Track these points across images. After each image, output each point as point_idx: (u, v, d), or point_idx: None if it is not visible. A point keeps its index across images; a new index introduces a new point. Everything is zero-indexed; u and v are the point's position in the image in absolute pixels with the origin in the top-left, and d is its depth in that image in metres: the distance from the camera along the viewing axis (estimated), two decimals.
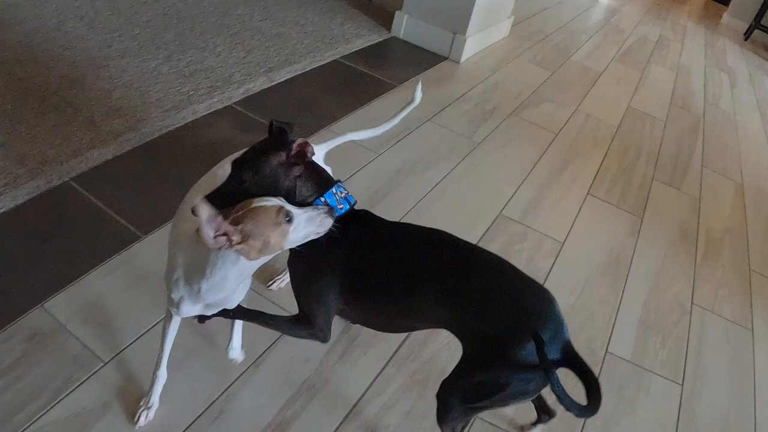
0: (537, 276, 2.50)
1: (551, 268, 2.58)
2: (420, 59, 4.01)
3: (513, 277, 1.42)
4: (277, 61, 3.47)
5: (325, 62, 3.67)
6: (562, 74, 4.57)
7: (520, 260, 2.57)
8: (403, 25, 4.14)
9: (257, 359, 1.91)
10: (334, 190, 1.47)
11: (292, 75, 3.41)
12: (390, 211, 2.61)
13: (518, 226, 2.77)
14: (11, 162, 2.44)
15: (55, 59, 3.08)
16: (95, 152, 2.52)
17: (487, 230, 2.68)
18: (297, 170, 1.41)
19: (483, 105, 3.69)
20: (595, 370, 2.19)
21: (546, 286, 1.56)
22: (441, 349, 2.11)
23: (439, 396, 1.52)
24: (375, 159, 2.93)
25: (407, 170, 2.91)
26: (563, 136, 3.67)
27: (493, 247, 2.58)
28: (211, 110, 2.95)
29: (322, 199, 1.45)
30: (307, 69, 3.54)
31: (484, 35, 4.28)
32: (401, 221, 1.59)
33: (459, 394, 1.46)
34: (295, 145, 1.38)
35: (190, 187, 1.65)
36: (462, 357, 1.47)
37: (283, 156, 1.38)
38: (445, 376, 1.50)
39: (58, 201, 2.33)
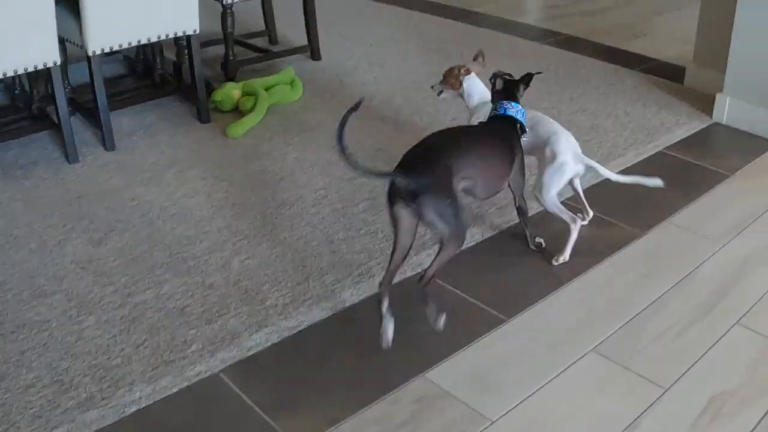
0: None
1: None
2: (749, 146, 3.59)
3: None
4: (600, 155, 3.27)
5: (648, 155, 3.41)
6: None
7: None
8: (726, 109, 3.75)
9: None
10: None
11: (620, 168, 3.17)
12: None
13: None
14: None
15: None
16: None
17: None
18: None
19: None
20: None
21: None
22: None
23: None
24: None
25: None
26: None
27: None
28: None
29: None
30: (633, 162, 3.30)
31: None
32: None
33: None
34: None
35: None
36: None
37: None
38: None
39: None
